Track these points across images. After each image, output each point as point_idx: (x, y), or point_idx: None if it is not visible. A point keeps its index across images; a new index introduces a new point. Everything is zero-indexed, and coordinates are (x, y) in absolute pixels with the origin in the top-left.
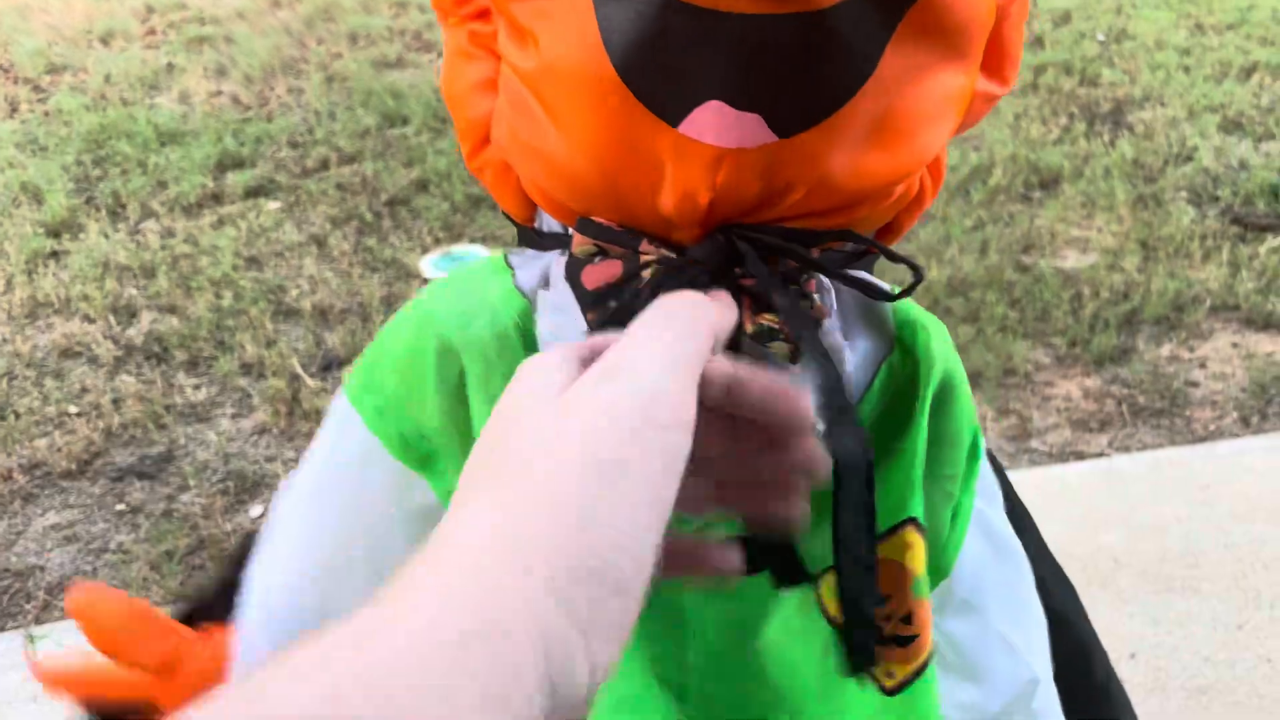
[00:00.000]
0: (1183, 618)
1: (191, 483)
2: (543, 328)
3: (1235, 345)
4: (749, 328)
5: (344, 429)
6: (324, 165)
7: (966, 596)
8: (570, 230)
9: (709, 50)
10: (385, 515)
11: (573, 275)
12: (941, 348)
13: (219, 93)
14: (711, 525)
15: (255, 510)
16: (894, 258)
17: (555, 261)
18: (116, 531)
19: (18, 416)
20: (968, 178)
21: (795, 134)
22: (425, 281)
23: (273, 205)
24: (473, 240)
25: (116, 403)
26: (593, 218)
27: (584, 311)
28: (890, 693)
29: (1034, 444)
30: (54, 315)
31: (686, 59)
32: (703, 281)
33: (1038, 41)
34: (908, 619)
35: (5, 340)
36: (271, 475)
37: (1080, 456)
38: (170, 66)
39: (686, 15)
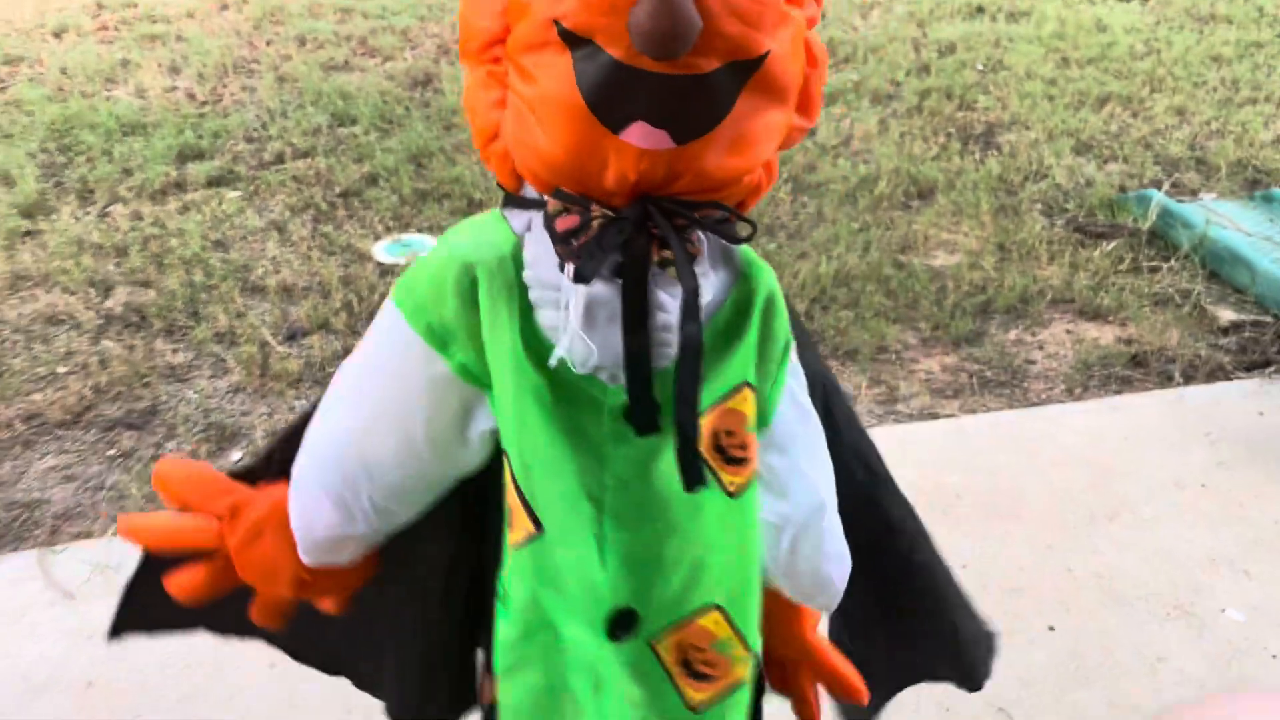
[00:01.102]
0: (1005, 537)
1: (178, 432)
2: (528, 255)
3: (1069, 332)
4: (656, 259)
5: (389, 323)
6: (280, 159)
7: (779, 441)
8: (545, 197)
9: (638, 91)
10: (413, 381)
11: (548, 224)
12: (769, 279)
13: (174, 88)
14: (592, 381)
15: (235, 455)
16: (741, 218)
17: (535, 216)
18: (110, 472)
19: (12, 374)
20: (856, 186)
21: (686, 143)
22: (379, 264)
23: (233, 194)
24: (420, 230)
25: (103, 363)
26: (562, 188)
27: (555, 245)
28: (732, 495)
29: (899, 407)
30: (35, 287)
31: (624, 95)
32: (628, 230)
33: (924, 69)
34: (743, 447)
35: None
36: (247, 427)
37: (935, 417)
38: (125, 62)
39: (625, 71)
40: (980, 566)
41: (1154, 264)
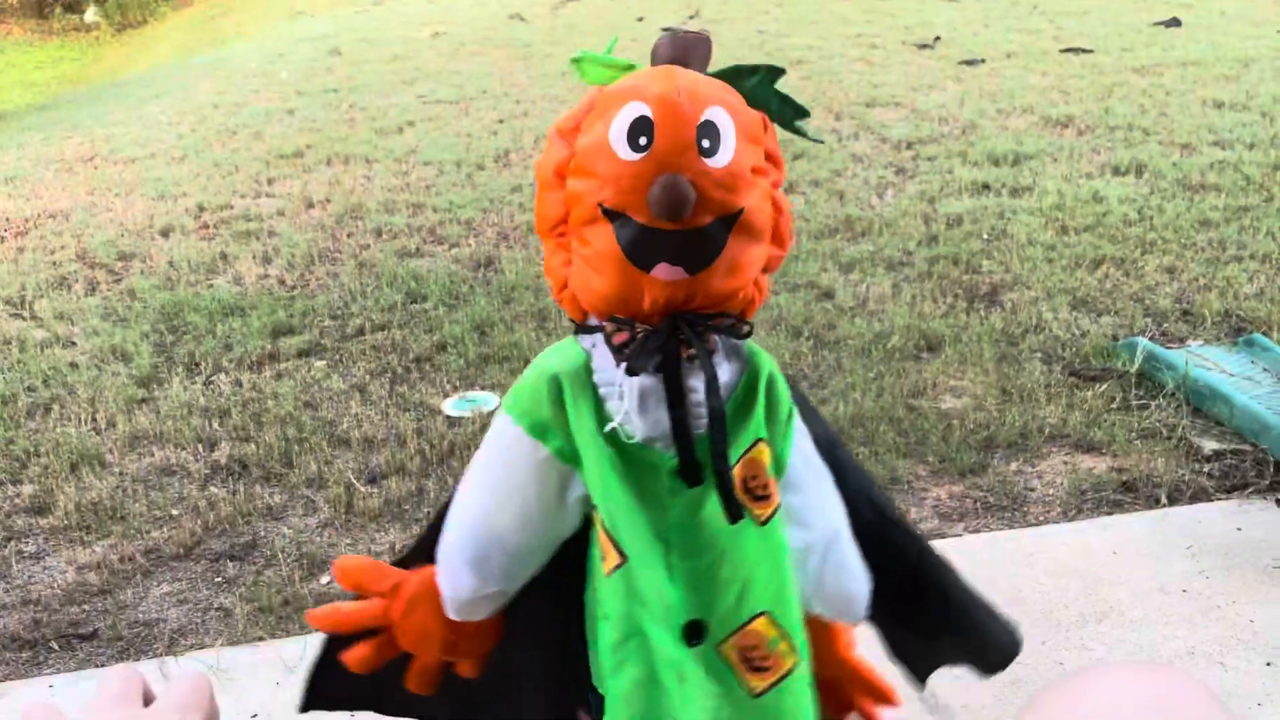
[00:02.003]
0: None
1: (275, 561)
2: (595, 364)
3: (1065, 463)
4: (685, 356)
5: (502, 426)
6: (360, 332)
7: (793, 484)
8: (603, 322)
9: (659, 243)
10: (524, 467)
11: (607, 340)
12: (769, 363)
13: (267, 276)
14: (651, 450)
15: (324, 579)
16: (743, 322)
17: (598, 336)
18: (217, 596)
19: (134, 516)
20: (871, 341)
21: (696, 274)
22: (448, 418)
23: (320, 363)
24: (483, 388)
25: (210, 505)
26: (615, 315)
27: (613, 354)
28: (762, 524)
29: None
30: (151, 444)
31: (650, 247)
32: (663, 338)
33: (934, 239)
34: (765, 486)
35: (115, 463)
36: (335, 557)
37: (943, 536)
38: (224, 255)
39: (649, 231)
40: None
41: (1142, 402)
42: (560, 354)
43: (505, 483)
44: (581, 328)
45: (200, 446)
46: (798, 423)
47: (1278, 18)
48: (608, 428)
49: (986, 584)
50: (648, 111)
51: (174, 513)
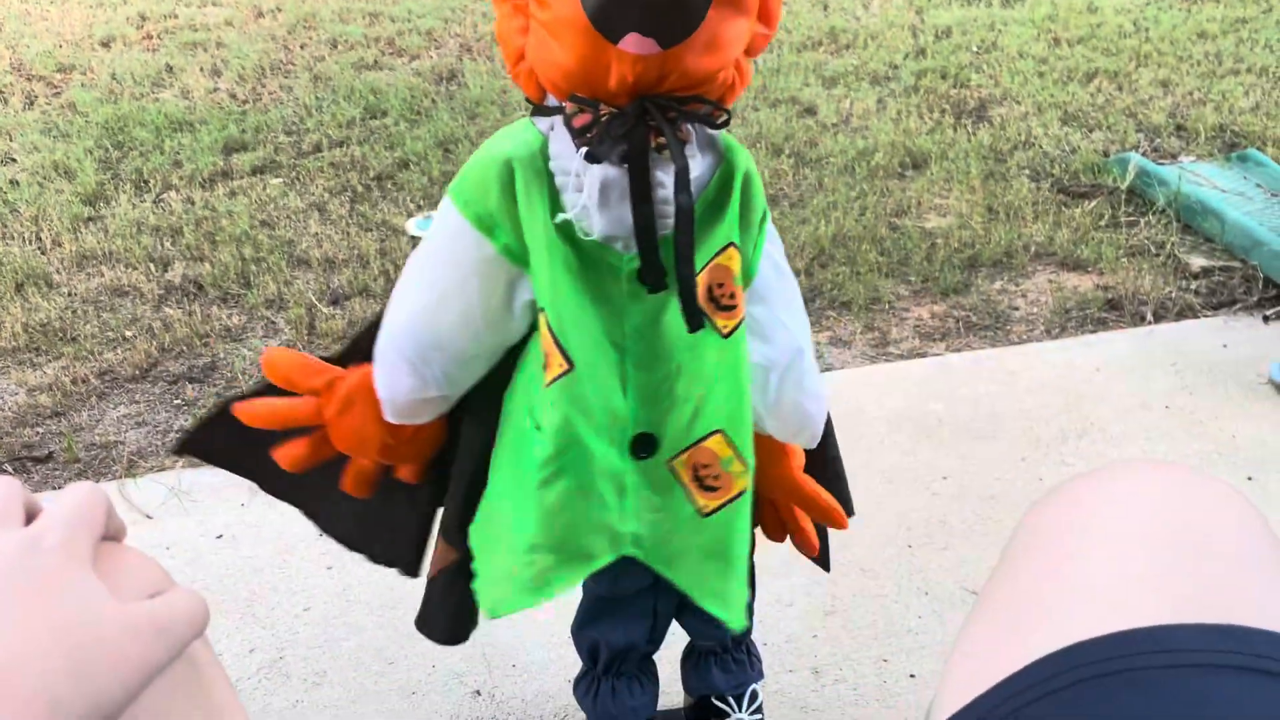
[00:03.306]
0: (983, 453)
1: (236, 383)
2: (553, 150)
3: (1050, 281)
4: (654, 144)
5: (446, 216)
6: (318, 149)
7: (760, 294)
8: (563, 103)
9: (629, 8)
10: (468, 263)
11: (567, 123)
12: (746, 160)
13: (216, 89)
14: (609, 250)
15: None
16: (720, 109)
17: (556, 119)
18: (176, 418)
19: (86, 338)
20: (854, 159)
21: (670, 48)
22: (412, 238)
23: (276, 180)
24: None
25: (166, 326)
26: (577, 93)
27: (573, 139)
28: (725, 336)
29: (891, 349)
30: (101, 264)
31: (619, 12)
32: (630, 123)
33: (921, 52)
34: (732, 296)
35: (64, 283)
36: None
37: (924, 357)
38: (169, 67)
39: None
40: (960, 479)
41: (1131, 219)
42: (513, 136)
43: (448, 279)
44: (538, 108)
45: (152, 266)
46: (770, 228)
47: None
48: (559, 219)
49: (967, 403)
50: None
51: (128, 334)
